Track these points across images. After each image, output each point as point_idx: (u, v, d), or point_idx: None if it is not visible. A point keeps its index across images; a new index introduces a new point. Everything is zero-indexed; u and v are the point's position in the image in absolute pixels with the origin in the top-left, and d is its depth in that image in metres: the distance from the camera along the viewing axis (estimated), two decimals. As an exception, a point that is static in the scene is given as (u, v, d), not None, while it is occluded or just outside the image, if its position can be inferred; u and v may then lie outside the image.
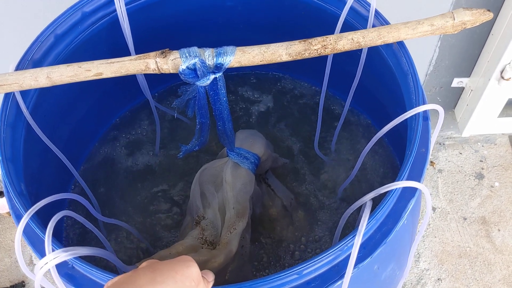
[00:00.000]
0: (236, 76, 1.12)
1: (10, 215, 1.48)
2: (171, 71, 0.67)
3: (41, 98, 0.76)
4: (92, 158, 1.03)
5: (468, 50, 1.26)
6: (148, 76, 0.87)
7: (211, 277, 0.54)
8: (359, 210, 0.66)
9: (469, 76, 1.34)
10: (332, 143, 0.99)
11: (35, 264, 1.40)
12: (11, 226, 1.47)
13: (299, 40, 0.66)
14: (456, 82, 1.36)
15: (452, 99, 1.43)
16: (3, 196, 1.37)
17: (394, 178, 0.91)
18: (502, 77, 1.21)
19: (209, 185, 0.85)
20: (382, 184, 0.57)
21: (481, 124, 1.42)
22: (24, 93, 0.71)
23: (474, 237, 1.38)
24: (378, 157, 0.96)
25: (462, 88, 1.39)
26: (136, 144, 1.07)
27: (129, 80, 0.87)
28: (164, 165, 1.05)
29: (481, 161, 1.49)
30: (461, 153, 1.51)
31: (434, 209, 1.42)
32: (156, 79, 0.97)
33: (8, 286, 1.37)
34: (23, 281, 1.38)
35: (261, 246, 0.93)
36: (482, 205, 1.42)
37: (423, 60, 1.28)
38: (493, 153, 1.50)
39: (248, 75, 1.13)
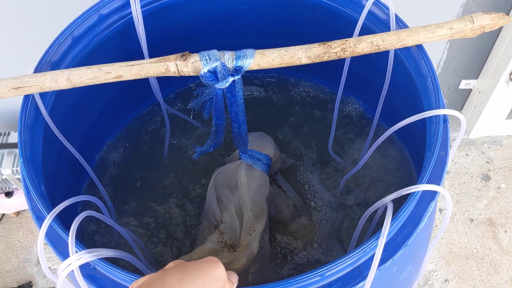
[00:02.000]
0: (247, 77, 1.12)
1: (17, 216, 1.48)
2: (191, 74, 0.67)
3: (58, 99, 0.76)
4: (103, 160, 1.03)
5: (476, 52, 1.27)
6: (158, 79, 0.88)
7: (235, 278, 0.55)
8: (374, 212, 0.66)
9: (477, 78, 1.35)
10: (364, 154, 0.98)
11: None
12: (18, 227, 1.47)
13: (318, 43, 0.66)
14: (464, 84, 1.36)
15: (459, 101, 1.44)
16: (10, 196, 1.37)
17: (407, 181, 0.92)
18: (511, 79, 1.22)
19: (224, 188, 0.86)
20: (392, 188, 0.57)
21: (488, 125, 1.43)
22: (42, 95, 0.72)
23: (481, 239, 1.38)
24: (391, 160, 0.96)
25: (470, 90, 1.40)
26: (147, 147, 1.07)
27: (141, 83, 0.88)
28: (175, 167, 1.05)
29: (487, 162, 1.50)
30: (467, 155, 1.51)
31: (440, 210, 1.42)
32: (165, 82, 0.98)
33: (16, 286, 1.37)
34: (30, 282, 1.38)
35: (275, 247, 0.94)
36: (488, 206, 1.43)
37: (432, 62, 1.28)
38: (500, 154, 1.51)
39: (259, 77, 1.13)
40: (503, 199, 1.44)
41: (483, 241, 1.38)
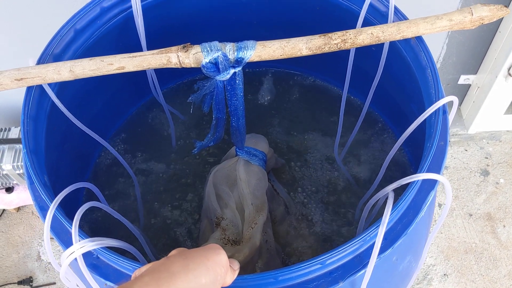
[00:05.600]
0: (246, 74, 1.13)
1: (17, 211, 1.48)
2: (193, 65, 0.68)
3: (60, 92, 0.76)
4: (106, 153, 1.04)
5: (475, 47, 1.27)
6: (157, 74, 0.88)
7: (236, 265, 0.55)
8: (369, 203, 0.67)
9: (476, 73, 1.35)
10: (336, 147, 0.99)
11: (43, 260, 1.40)
12: (18, 222, 1.47)
13: (319, 35, 0.67)
14: (463, 79, 1.37)
15: (458, 96, 1.44)
16: (11, 192, 1.37)
17: (403, 173, 0.92)
18: (509, 74, 1.23)
19: (223, 186, 0.86)
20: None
21: (487, 121, 1.44)
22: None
23: (480, 233, 1.39)
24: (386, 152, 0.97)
25: (469, 85, 1.40)
26: (148, 140, 1.07)
27: (143, 77, 0.88)
28: (178, 162, 1.05)
29: (486, 158, 1.51)
30: (466, 150, 1.52)
31: (440, 205, 1.43)
32: (164, 77, 0.98)
33: (16, 281, 1.38)
34: (30, 277, 1.39)
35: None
36: (487, 201, 1.44)
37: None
38: (498, 150, 1.52)
39: (262, 72, 1.13)
40: (501, 194, 1.45)
41: (482, 236, 1.39)
